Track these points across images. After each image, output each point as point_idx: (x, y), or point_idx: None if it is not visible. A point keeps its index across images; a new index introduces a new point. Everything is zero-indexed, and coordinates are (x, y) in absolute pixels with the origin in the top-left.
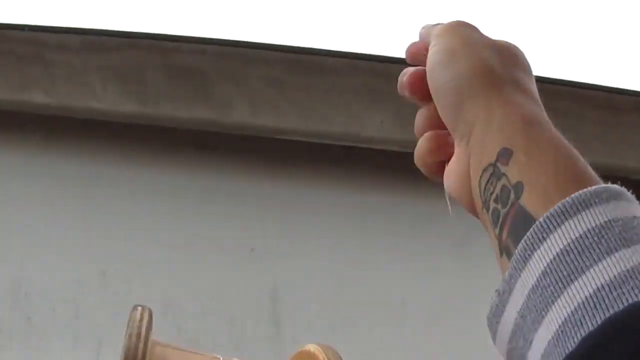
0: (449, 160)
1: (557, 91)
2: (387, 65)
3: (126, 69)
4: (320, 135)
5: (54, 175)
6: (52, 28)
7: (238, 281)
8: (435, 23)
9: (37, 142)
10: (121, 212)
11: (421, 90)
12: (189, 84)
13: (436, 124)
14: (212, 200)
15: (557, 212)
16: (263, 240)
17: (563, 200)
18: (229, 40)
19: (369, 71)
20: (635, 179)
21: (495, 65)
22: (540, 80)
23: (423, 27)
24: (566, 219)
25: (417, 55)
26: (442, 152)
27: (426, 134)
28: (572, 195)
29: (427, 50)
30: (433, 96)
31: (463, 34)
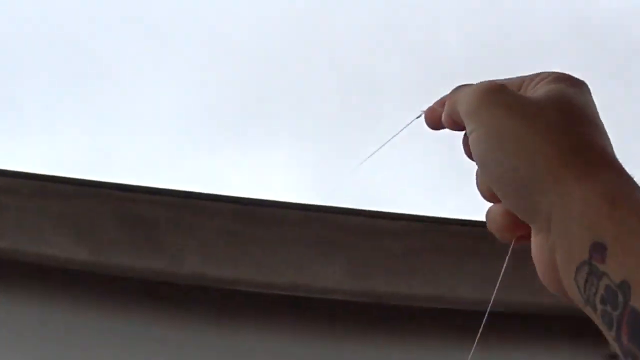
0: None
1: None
2: (338, 217)
3: (80, 216)
4: (272, 287)
5: (1, 320)
6: (4, 172)
7: None
8: (457, 87)
9: None
10: (72, 359)
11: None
12: (142, 234)
13: None
14: (163, 349)
15: None
16: None
17: None
18: (181, 191)
19: (320, 222)
20: (551, 315)
21: (552, 137)
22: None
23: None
24: None
25: (435, 119)
26: (518, 229)
27: (497, 209)
28: None
29: (442, 106)
30: (493, 189)
31: (500, 105)
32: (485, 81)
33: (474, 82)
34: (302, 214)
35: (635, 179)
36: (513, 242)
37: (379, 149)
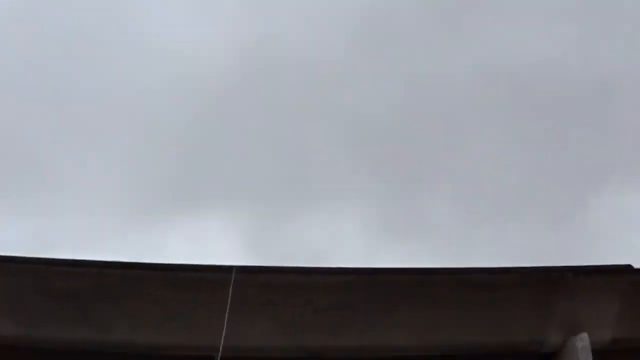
0: None
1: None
2: (265, 275)
3: (4, 292)
4: (201, 349)
5: None
6: None
7: None
8: None
9: None
10: None
11: None
12: (68, 306)
13: None
14: None
15: None
16: None
17: None
18: (104, 262)
19: (245, 283)
20: (528, 351)
21: None
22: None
23: None
24: None
25: None
26: None
27: None
28: None
29: None
30: None
31: None
32: None
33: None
34: (228, 275)
35: None
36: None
37: None
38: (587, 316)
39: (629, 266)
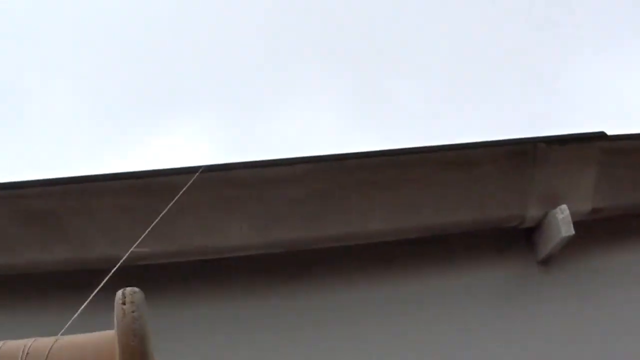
0: None
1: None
2: (232, 173)
3: None
4: (182, 254)
5: None
6: None
7: None
8: None
9: None
10: None
11: None
12: (44, 227)
13: None
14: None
15: None
16: None
17: None
18: (73, 177)
19: (215, 182)
20: (508, 227)
21: None
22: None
23: None
24: None
25: None
26: None
27: None
28: None
29: None
30: None
31: None
32: None
33: None
34: (199, 176)
35: None
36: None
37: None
38: (564, 187)
39: (602, 133)
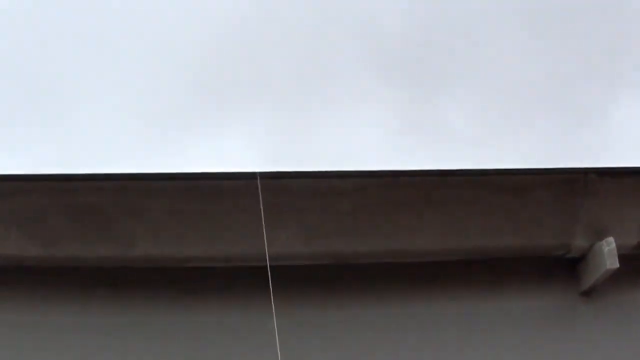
0: None
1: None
2: (285, 181)
3: (27, 213)
4: (226, 259)
5: None
6: None
7: None
8: None
9: None
10: (28, 356)
11: None
12: (91, 223)
13: None
14: (121, 335)
15: None
16: None
17: None
18: (125, 174)
19: (266, 189)
20: (553, 256)
21: None
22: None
23: None
24: None
25: None
26: None
27: None
28: None
29: None
30: None
31: None
32: None
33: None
34: (250, 182)
35: None
36: None
37: None
38: (612, 220)
39: None
